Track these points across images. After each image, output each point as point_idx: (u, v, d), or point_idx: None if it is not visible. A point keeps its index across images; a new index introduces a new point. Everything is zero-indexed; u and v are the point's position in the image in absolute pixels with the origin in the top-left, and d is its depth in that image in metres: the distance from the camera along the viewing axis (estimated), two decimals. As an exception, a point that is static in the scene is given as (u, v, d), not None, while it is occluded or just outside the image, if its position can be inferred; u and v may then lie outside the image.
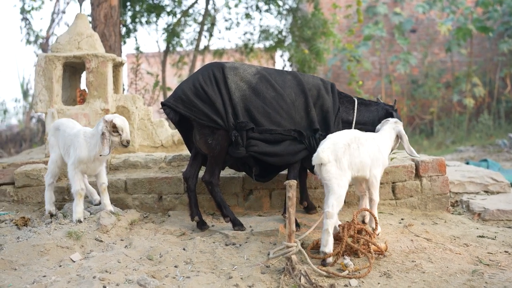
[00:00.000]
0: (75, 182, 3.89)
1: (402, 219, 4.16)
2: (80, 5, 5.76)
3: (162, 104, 3.83)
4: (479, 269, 3.14)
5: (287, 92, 3.88)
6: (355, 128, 4.04)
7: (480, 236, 3.81)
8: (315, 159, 3.35)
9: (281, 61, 11.98)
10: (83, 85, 5.83)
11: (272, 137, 3.77)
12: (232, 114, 3.70)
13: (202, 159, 3.98)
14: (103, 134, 3.73)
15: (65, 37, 5.42)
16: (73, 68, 5.68)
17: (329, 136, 3.54)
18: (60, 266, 3.21)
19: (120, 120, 3.77)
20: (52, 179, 4.14)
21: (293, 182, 2.95)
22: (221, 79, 3.75)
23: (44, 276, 3.00)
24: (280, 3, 10.87)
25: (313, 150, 3.82)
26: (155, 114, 14.69)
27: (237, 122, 3.68)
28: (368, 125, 4.08)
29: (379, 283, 2.96)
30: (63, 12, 13.51)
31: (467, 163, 7.08)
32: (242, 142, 3.70)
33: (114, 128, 3.74)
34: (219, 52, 12.18)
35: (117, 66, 5.67)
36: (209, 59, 12.94)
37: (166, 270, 3.12)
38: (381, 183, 4.05)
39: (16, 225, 3.91)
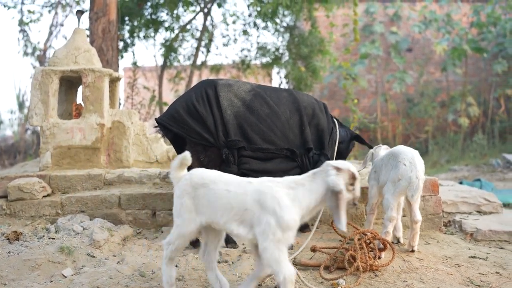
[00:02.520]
0: (284, 263, 2.53)
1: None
2: (78, 20, 5.78)
3: (156, 121, 3.85)
4: (470, 290, 3.14)
5: (281, 109, 3.89)
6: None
7: (472, 257, 3.82)
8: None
9: (278, 78, 12.05)
10: (79, 100, 5.85)
11: (264, 155, 3.79)
12: (223, 132, 3.70)
13: None
14: (339, 193, 2.58)
15: (62, 51, 5.46)
16: (70, 82, 5.70)
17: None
18: (51, 281, 3.19)
19: (355, 169, 2.71)
20: (176, 253, 2.83)
21: (286, 201, 2.94)
22: (213, 96, 3.76)
23: (35, 292, 2.99)
24: (278, 20, 10.96)
25: (306, 168, 3.85)
26: (151, 129, 14.71)
27: (228, 140, 3.69)
28: (344, 144, 4.17)
29: (370, 303, 2.96)
30: (61, 25, 13.56)
31: (461, 183, 7.10)
32: (233, 160, 3.71)
33: (353, 180, 2.65)
34: (216, 68, 12.25)
35: (114, 81, 5.70)
36: (206, 74, 12.99)
37: (158, 287, 3.11)
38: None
39: (8, 239, 3.88)
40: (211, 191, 2.70)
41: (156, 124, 3.89)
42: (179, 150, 4.05)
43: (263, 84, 4.27)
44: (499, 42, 13.58)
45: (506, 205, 5.75)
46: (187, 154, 2.81)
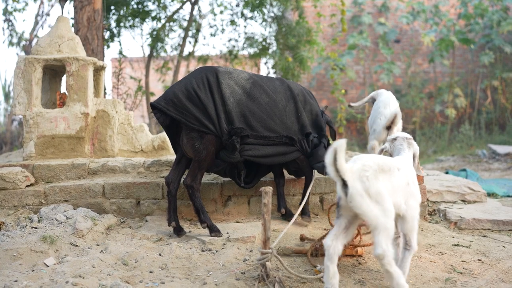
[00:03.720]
0: (416, 234, 2.96)
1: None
2: (62, 8, 5.70)
3: (152, 106, 3.77)
4: (452, 277, 3.17)
5: (278, 97, 3.96)
6: None
7: (455, 245, 3.85)
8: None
9: (265, 68, 12.01)
10: (63, 88, 5.78)
11: (265, 142, 3.85)
12: (225, 119, 3.70)
13: (186, 164, 3.95)
14: (418, 155, 3.21)
15: (45, 40, 5.38)
16: (54, 71, 5.63)
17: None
18: (33, 270, 3.16)
19: None
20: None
21: (269, 189, 2.95)
22: (215, 83, 3.75)
23: (16, 281, 2.96)
24: (265, 11, 10.91)
25: (306, 152, 4.00)
26: (138, 119, 14.62)
27: (233, 128, 3.68)
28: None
29: (353, 291, 2.97)
30: (47, 14, 13.39)
31: (447, 173, 7.15)
32: (238, 147, 3.73)
33: None
34: (203, 58, 12.18)
35: (98, 70, 5.64)
36: (193, 65, 12.93)
37: (141, 276, 3.10)
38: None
39: (-10, 228, 3.85)
40: (390, 174, 2.76)
41: (153, 109, 3.81)
42: (172, 136, 4.01)
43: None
44: (486, 33, 13.65)
45: (490, 195, 5.81)
46: (341, 141, 2.53)
